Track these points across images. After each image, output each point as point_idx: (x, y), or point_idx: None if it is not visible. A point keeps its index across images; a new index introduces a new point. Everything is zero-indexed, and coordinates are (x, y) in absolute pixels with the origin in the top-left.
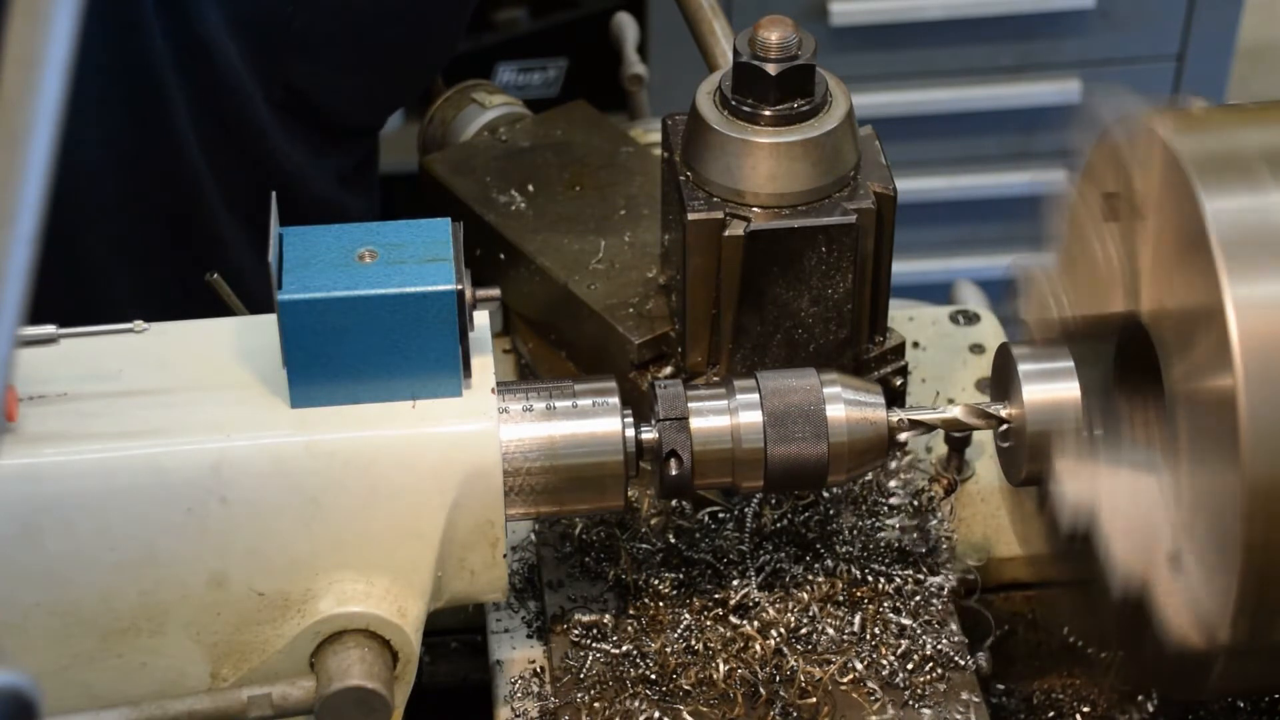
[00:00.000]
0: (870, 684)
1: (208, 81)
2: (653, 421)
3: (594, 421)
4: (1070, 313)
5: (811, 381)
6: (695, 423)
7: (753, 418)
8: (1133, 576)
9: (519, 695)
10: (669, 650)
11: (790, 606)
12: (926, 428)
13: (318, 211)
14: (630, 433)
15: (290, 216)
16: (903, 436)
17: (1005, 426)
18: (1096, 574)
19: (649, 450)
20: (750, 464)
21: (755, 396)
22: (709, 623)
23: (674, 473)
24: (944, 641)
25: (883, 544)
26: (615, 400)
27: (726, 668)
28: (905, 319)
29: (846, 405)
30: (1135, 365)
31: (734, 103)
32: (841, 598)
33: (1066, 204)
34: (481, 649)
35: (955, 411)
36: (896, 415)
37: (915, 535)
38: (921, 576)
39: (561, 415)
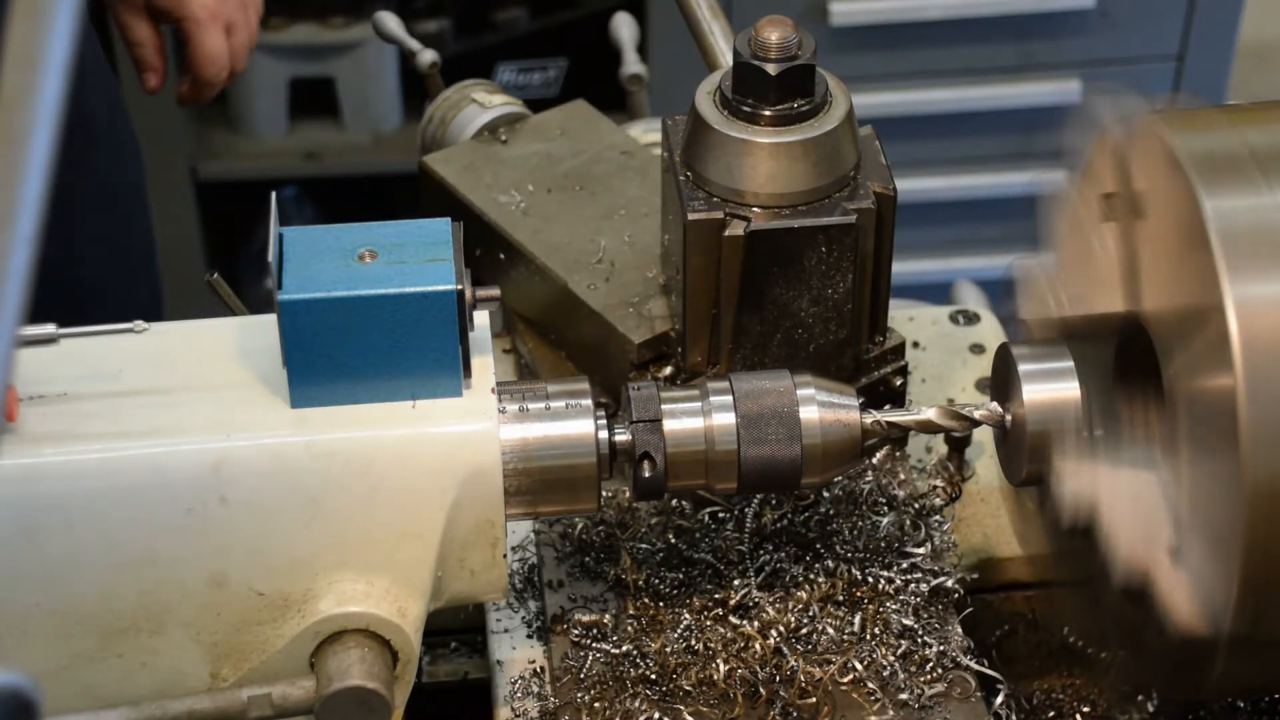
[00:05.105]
0: (870, 684)
1: None
2: (626, 423)
3: (567, 424)
4: (1070, 313)
5: (785, 384)
6: (669, 424)
7: (726, 420)
8: (1135, 569)
9: (519, 695)
10: (669, 650)
11: (790, 606)
12: (901, 430)
13: None
14: (603, 434)
15: None
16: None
17: (980, 427)
18: (1097, 572)
19: (623, 452)
20: (724, 466)
21: (729, 399)
22: (709, 623)
23: (647, 474)
24: (944, 642)
25: (883, 544)
26: (588, 402)
27: (726, 668)
28: (905, 319)
29: (820, 407)
30: (1135, 365)
31: (734, 103)
32: (841, 598)
33: (1066, 204)
34: (481, 649)
35: (929, 413)
36: (870, 417)
37: (915, 536)
38: (921, 577)
39: (534, 417)
